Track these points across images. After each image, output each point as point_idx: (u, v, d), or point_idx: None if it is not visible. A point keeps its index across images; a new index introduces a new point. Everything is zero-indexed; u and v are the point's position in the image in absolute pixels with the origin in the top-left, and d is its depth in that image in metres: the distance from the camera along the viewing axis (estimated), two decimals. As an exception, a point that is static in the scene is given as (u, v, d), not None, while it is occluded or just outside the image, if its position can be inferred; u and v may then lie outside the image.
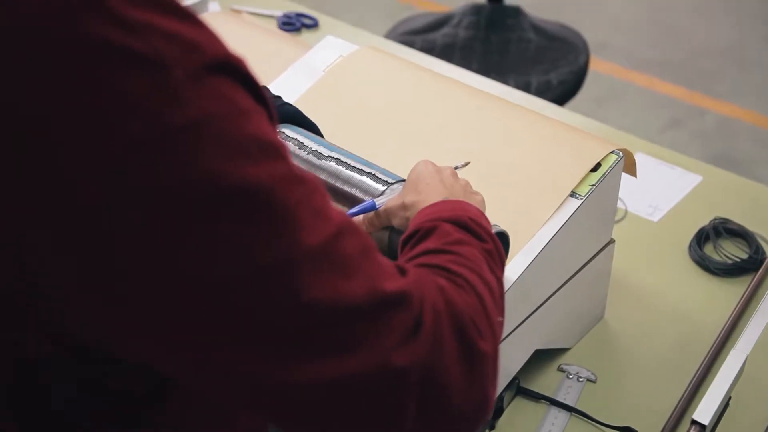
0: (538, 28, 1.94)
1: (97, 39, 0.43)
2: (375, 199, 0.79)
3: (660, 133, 2.54)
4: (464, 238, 0.64)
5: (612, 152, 0.89)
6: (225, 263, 0.46)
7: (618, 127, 2.52)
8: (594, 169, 0.89)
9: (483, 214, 0.69)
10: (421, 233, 0.65)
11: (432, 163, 0.77)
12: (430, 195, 0.72)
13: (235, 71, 0.47)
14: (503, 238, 0.78)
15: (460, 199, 0.71)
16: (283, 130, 0.88)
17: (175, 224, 0.44)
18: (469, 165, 0.84)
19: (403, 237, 0.67)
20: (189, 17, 0.47)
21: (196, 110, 0.44)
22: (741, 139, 2.51)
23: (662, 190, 1.20)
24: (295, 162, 0.85)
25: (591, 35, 2.89)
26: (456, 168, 0.81)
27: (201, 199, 0.45)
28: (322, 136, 0.90)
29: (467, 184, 0.76)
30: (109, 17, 0.43)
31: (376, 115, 0.96)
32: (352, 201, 0.83)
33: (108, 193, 0.43)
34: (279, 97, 0.91)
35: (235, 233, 0.46)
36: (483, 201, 0.76)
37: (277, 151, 0.48)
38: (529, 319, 0.88)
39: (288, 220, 0.47)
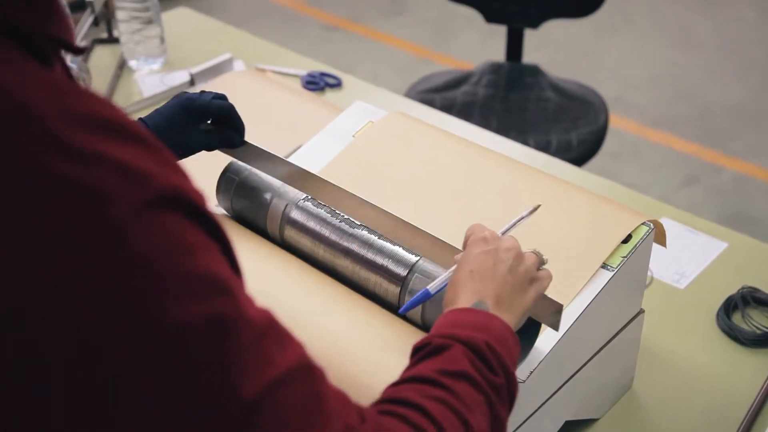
0: (556, 87, 1.95)
1: (35, 164, 0.41)
2: (428, 287, 0.75)
3: (676, 189, 2.54)
4: (468, 371, 0.60)
5: (643, 224, 0.89)
6: (152, 403, 0.44)
7: (635, 184, 2.55)
8: (625, 241, 0.89)
9: (508, 336, 0.65)
10: (430, 348, 0.62)
11: (488, 233, 0.73)
12: (469, 287, 0.68)
13: (185, 204, 0.46)
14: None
15: (507, 297, 0.68)
16: (312, 198, 0.89)
17: (106, 362, 0.43)
18: (519, 227, 0.83)
19: (415, 344, 0.64)
20: (145, 143, 0.45)
21: (135, 246, 0.42)
22: (757, 197, 2.51)
23: (688, 257, 1.20)
24: (325, 232, 0.86)
25: (606, 92, 2.91)
26: (522, 217, 0.79)
27: (134, 338, 0.43)
28: (242, 139, 0.93)
29: (529, 270, 0.72)
30: (50, 141, 0.41)
31: (406, 180, 0.97)
32: (385, 271, 0.83)
33: (40, 324, 0.41)
34: (210, 93, 0.92)
35: (168, 375, 0.44)
36: (541, 292, 0.72)
37: (223, 289, 0.46)
38: (560, 390, 0.87)
39: (225, 365, 0.46)
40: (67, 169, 0.41)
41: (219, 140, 0.92)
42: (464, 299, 0.68)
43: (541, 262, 0.75)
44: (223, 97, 0.91)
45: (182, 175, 0.47)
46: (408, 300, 0.78)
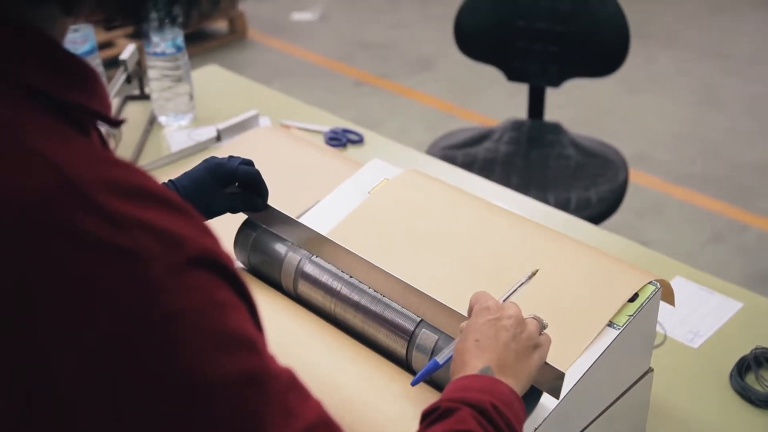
0: (577, 145, 1.98)
1: (79, 231, 0.44)
2: (436, 358, 0.78)
3: (702, 247, 2.53)
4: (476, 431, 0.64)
5: (649, 283, 0.91)
6: None
7: (659, 241, 2.54)
8: (632, 299, 0.90)
9: (514, 399, 0.69)
10: (439, 413, 0.65)
11: (492, 302, 0.76)
12: (474, 355, 0.72)
13: (217, 265, 0.49)
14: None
15: (511, 363, 0.71)
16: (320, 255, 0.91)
17: (146, 415, 0.45)
18: (520, 291, 0.85)
19: (425, 410, 0.67)
20: (178, 209, 0.48)
21: (172, 304, 0.45)
22: (783, 256, 2.50)
23: (703, 316, 1.20)
24: (336, 286, 0.88)
25: (631, 148, 2.94)
26: (522, 283, 0.81)
27: (172, 391, 0.46)
28: (265, 203, 0.96)
29: (530, 336, 0.75)
30: (93, 210, 0.45)
31: (418, 238, 0.99)
32: (393, 325, 0.85)
33: (83, 378, 0.44)
34: (238, 158, 0.95)
35: (203, 426, 0.47)
36: (543, 357, 0.75)
37: (252, 346, 0.49)
38: (567, 448, 0.87)
39: (256, 418, 0.48)
40: (110, 235, 0.45)
41: (243, 204, 0.96)
42: (471, 367, 0.71)
43: (542, 326, 0.78)
44: (249, 163, 0.95)
45: (213, 238, 0.50)
46: (417, 360, 0.80)
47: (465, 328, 0.76)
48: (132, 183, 0.47)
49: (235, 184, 0.95)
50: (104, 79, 0.55)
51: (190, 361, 0.46)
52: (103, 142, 0.60)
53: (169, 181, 0.92)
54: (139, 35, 0.52)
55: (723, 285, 1.26)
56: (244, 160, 0.95)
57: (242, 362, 0.48)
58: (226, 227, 1.02)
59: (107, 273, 0.44)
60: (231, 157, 0.95)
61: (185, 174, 0.93)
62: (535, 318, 0.79)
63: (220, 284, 0.49)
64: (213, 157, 0.95)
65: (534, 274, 0.85)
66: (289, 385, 0.52)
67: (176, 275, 0.46)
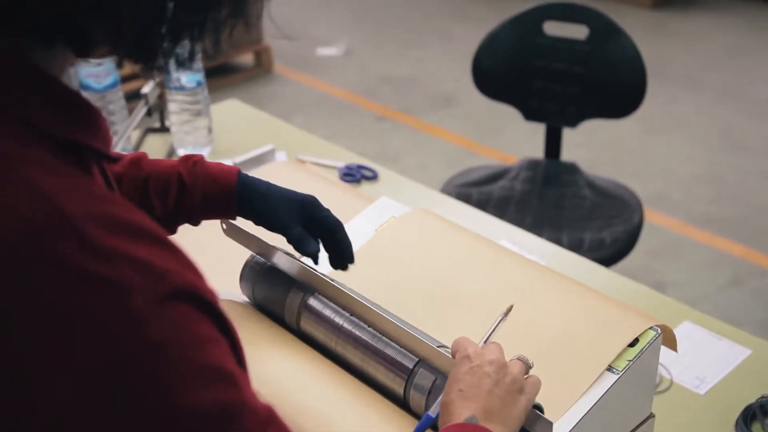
0: (593, 185, 1.98)
1: (65, 261, 0.46)
2: (429, 412, 0.78)
3: (719, 290, 2.51)
4: None
5: (650, 328, 0.91)
6: None
7: (675, 283, 2.53)
8: (632, 344, 0.90)
9: None
10: None
11: (471, 349, 0.77)
12: (459, 405, 0.72)
13: (198, 299, 0.50)
14: (537, 409, 0.79)
15: (496, 409, 0.72)
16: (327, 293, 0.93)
17: None
18: (508, 333, 0.86)
19: None
20: (163, 244, 0.50)
21: (153, 335, 0.47)
22: (803, 301, 2.47)
23: (710, 362, 1.19)
24: (338, 322, 0.89)
25: (649, 188, 2.93)
26: (499, 321, 0.82)
27: (150, 420, 0.47)
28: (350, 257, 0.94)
29: (515, 380, 0.75)
30: (79, 242, 0.47)
31: (421, 276, 1.00)
32: (392, 363, 0.86)
33: (65, 405, 0.46)
34: (324, 210, 0.94)
35: None
36: (530, 401, 0.75)
37: (231, 380, 0.51)
38: (564, 493, 0.87)
39: None
40: (95, 266, 0.47)
41: (308, 246, 0.92)
42: (456, 416, 0.71)
43: (528, 367, 0.78)
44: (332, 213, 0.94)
45: (197, 273, 0.52)
46: (415, 399, 0.81)
47: (449, 378, 0.76)
48: (120, 217, 0.49)
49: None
50: (122, 114, 0.58)
51: (168, 392, 0.47)
52: (106, 178, 0.62)
53: (244, 174, 0.93)
54: (147, 75, 0.55)
55: (732, 331, 1.26)
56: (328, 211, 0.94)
57: (220, 395, 0.49)
58: (231, 261, 1.03)
59: (91, 302, 0.46)
60: (317, 199, 0.94)
61: (283, 190, 0.93)
62: (520, 359, 0.79)
63: (202, 318, 0.50)
64: (312, 198, 0.94)
65: (509, 310, 0.85)
66: (267, 421, 0.53)
67: (157, 307, 0.48)
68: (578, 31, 1.96)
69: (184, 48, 0.54)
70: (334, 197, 1.47)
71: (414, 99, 3.73)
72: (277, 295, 0.96)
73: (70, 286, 0.46)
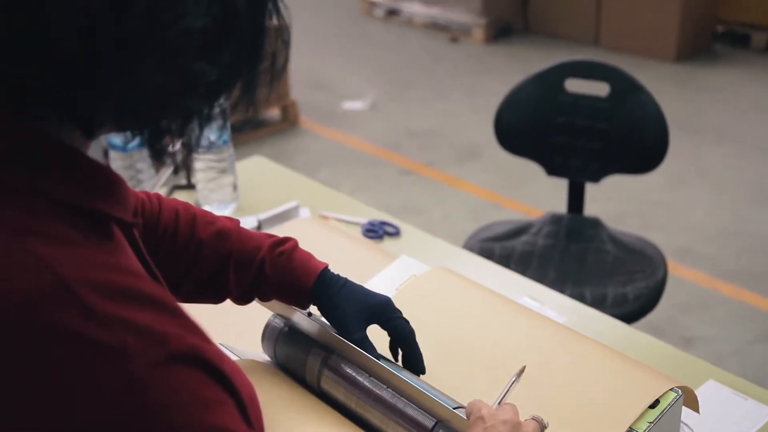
0: (616, 240, 1.98)
1: (65, 328, 0.48)
2: None
3: (748, 345, 2.47)
4: None
5: (671, 389, 0.90)
6: None
7: (703, 338, 2.50)
8: (653, 405, 0.90)
9: None
10: None
11: (485, 410, 0.77)
12: None
13: (202, 362, 0.51)
14: None
15: None
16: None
17: None
18: (526, 394, 0.86)
19: None
20: (166, 308, 0.51)
21: (155, 399, 0.48)
22: (834, 357, 2.43)
23: (734, 423, 1.18)
24: (359, 381, 0.90)
25: (675, 242, 2.92)
26: (512, 382, 0.82)
27: None
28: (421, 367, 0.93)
29: None
30: (78, 309, 0.48)
31: (441, 336, 1.01)
32: (412, 422, 0.87)
33: None
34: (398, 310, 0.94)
35: None
36: None
37: None
38: None
39: None
40: (93, 332, 0.48)
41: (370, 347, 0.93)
42: None
43: (542, 426, 0.78)
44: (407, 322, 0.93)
45: (201, 336, 0.53)
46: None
47: None
48: (121, 284, 0.51)
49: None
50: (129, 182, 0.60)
51: None
52: (132, 240, 0.64)
53: (325, 273, 0.93)
54: (157, 157, 0.56)
55: (757, 390, 1.24)
56: (402, 317, 0.93)
57: None
58: (254, 320, 1.05)
59: (89, 367, 0.47)
60: (392, 303, 0.94)
61: (363, 289, 0.93)
62: (534, 418, 0.79)
63: (205, 380, 0.51)
64: (386, 301, 0.93)
65: (522, 371, 0.86)
66: None
67: (158, 371, 0.49)
68: (600, 89, 1.98)
69: (192, 131, 0.56)
70: (356, 254, 1.49)
71: (438, 152, 3.76)
72: (298, 355, 0.97)
73: (69, 352, 0.47)
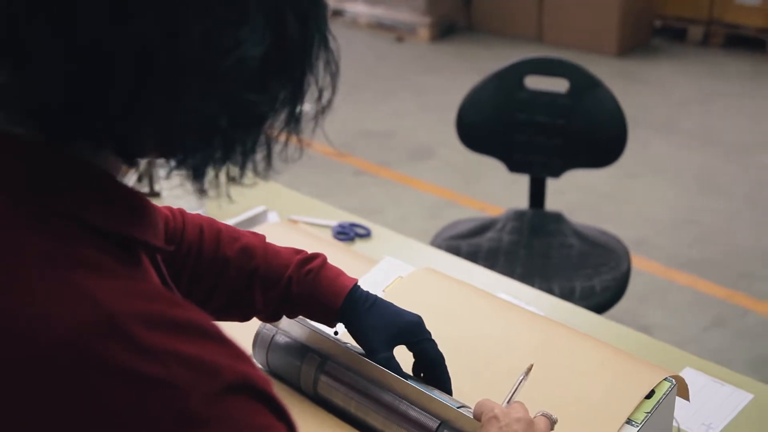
0: (579, 234, 2.01)
1: (114, 364, 0.46)
2: None
3: (703, 332, 2.54)
4: None
5: (665, 379, 0.92)
6: None
7: (660, 327, 2.55)
8: (648, 396, 0.91)
9: None
10: None
11: (498, 409, 0.77)
12: None
13: (254, 390, 0.50)
14: None
15: None
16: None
17: None
18: (527, 390, 0.86)
19: None
20: (212, 337, 0.50)
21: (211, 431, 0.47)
22: (785, 340, 2.51)
23: (714, 408, 1.20)
24: (358, 385, 0.89)
25: (628, 233, 2.97)
26: (521, 380, 0.83)
27: None
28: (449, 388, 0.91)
29: None
30: (127, 343, 0.46)
31: (434, 336, 1.00)
32: (415, 423, 0.86)
33: None
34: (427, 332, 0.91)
35: None
36: None
37: None
38: None
39: None
40: (146, 367, 0.46)
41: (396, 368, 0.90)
42: None
43: (552, 422, 0.79)
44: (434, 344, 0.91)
45: (249, 363, 0.52)
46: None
47: None
48: (167, 315, 0.49)
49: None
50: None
51: None
52: (157, 267, 0.62)
53: (360, 288, 0.90)
54: (198, 189, 0.55)
55: (731, 375, 1.27)
56: (430, 339, 0.91)
57: None
58: (242, 327, 1.03)
59: (144, 404, 0.46)
60: (422, 324, 0.91)
61: (392, 306, 0.91)
62: (545, 415, 0.80)
63: (258, 408, 0.50)
64: (416, 321, 0.91)
65: (530, 369, 0.86)
66: None
67: (214, 404, 0.47)
68: (559, 85, 2.00)
69: (236, 162, 0.54)
70: (333, 258, 1.48)
71: (391, 152, 3.77)
72: (291, 362, 0.96)
73: (122, 389, 0.46)
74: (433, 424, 0.85)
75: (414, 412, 0.87)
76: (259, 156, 0.55)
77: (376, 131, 3.99)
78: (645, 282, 2.77)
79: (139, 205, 0.55)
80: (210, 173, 0.54)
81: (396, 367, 0.89)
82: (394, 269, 1.12)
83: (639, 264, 2.85)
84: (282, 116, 0.55)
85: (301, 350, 0.96)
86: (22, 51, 0.47)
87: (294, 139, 0.56)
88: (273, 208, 1.73)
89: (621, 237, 2.08)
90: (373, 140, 3.90)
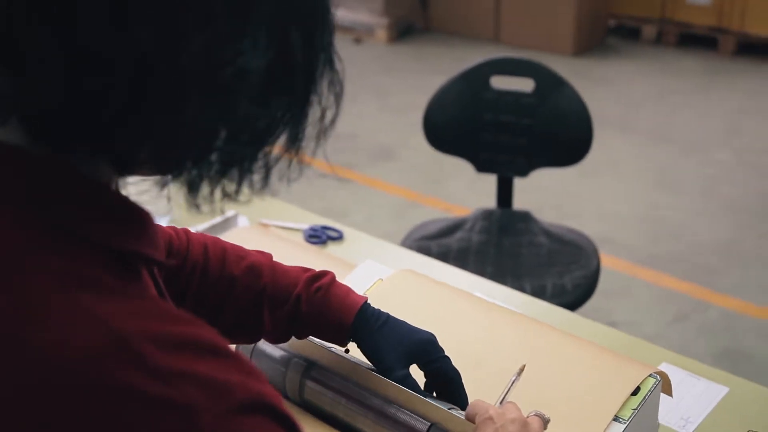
0: (548, 232, 2.02)
1: (126, 386, 0.45)
2: None
3: (667, 327, 2.58)
4: None
5: (650, 375, 0.93)
6: None
7: (625, 322, 2.58)
8: (634, 392, 0.92)
9: None
10: None
11: (492, 411, 0.78)
12: None
13: (267, 408, 0.49)
14: None
15: None
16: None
17: None
18: (515, 389, 0.87)
19: None
20: (224, 356, 0.49)
21: None
22: (746, 333, 2.56)
23: (692, 403, 1.22)
24: (345, 389, 0.88)
25: (592, 231, 3.00)
26: (513, 381, 0.83)
27: None
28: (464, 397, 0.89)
29: None
30: (140, 365, 0.46)
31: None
32: (404, 428, 0.86)
33: None
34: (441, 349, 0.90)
35: None
36: None
37: None
38: None
39: None
40: (158, 389, 0.45)
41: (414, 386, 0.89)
42: None
43: (545, 421, 0.80)
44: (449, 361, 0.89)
45: (261, 380, 0.51)
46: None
47: None
48: (177, 334, 0.48)
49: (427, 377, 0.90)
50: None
51: None
52: (155, 281, 0.61)
53: (365, 309, 0.88)
54: (193, 205, 0.53)
55: (706, 369, 1.29)
56: (445, 356, 0.89)
57: None
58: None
59: (157, 426, 0.45)
60: (436, 342, 0.89)
61: (405, 324, 0.89)
62: (537, 415, 0.81)
63: (271, 426, 0.49)
64: (429, 339, 0.89)
65: (522, 370, 0.87)
66: None
67: (227, 423, 0.46)
68: (524, 85, 2.02)
69: (233, 179, 0.53)
70: (306, 262, 1.46)
71: (354, 154, 3.76)
72: (275, 368, 0.95)
73: (135, 411, 0.45)
74: (422, 427, 0.85)
75: (403, 416, 0.86)
76: (257, 174, 0.54)
77: (338, 133, 3.92)
78: (610, 279, 2.80)
79: (138, 217, 0.54)
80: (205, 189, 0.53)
81: (413, 385, 0.87)
82: (374, 271, 1.11)
83: (604, 262, 2.88)
84: (284, 135, 0.54)
85: (284, 356, 0.94)
86: (21, 52, 0.46)
87: (294, 157, 0.55)
88: (243, 212, 1.71)
89: (591, 239, 2.10)
90: (336, 142, 3.85)
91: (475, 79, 2.03)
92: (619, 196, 3.36)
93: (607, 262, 2.90)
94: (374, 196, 3.41)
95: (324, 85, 0.55)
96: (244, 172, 0.53)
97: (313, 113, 0.55)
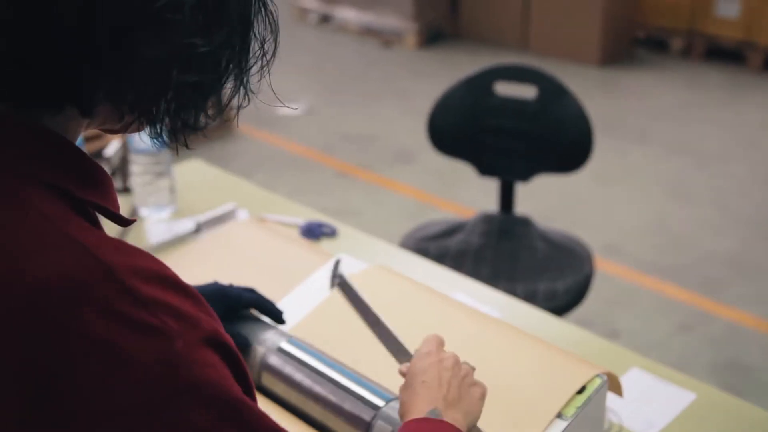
0: (545, 238, 2.05)
1: (114, 310, 0.51)
2: None
3: (670, 337, 2.58)
4: None
5: (597, 375, 0.96)
6: None
7: (628, 331, 2.59)
8: (580, 391, 0.95)
9: None
10: None
11: (435, 348, 0.83)
12: (422, 396, 0.78)
13: (222, 345, 0.56)
14: None
15: (455, 399, 0.78)
16: (286, 349, 0.96)
17: None
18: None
19: None
20: (189, 294, 0.56)
21: (192, 377, 0.52)
22: (750, 346, 2.55)
23: (657, 407, 1.24)
24: (297, 377, 0.93)
25: (601, 238, 3.02)
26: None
27: None
28: (282, 320, 1.00)
29: (467, 374, 0.83)
30: (124, 292, 0.52)
31: (380, 331, 1.04)
32: (350, 416, 0.90)
33: None
34: (239, 287, 1.00)
35: None
36: (484, 393, 0.82)
37: (251, 412, 0.57)
38: None
39: None
40: (139, 314, 0.52)
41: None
42: (418, 410, 0.77)
43: (472, 369, 0.86)
44: (252, 291, 1.01)
45: (218, 321, 0.57)
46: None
47: (408, 372, 0.82)
48: (152, 269, 0.54)
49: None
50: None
51: (203, 426, 0.52)
52: None
53: None
54: (155, 136, 0.59)
55: (677, 376, 1.31)
56: (246, 288, 1.00)
57: (245, 426, 0.55)
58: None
59: (138, 346, 0.51)
60: (231, 285, 1.00)
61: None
62: (465, 363, 0.86)
63: (223, 362, 0.55)
64: (216, 283, 0.99)
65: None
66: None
67: (195, 351, 0.53)
68: (528, 91, 2.05)
69: (188, 112, 0.58)
70: (293, 254, 1.51)
71: (373, 155, 3.81)
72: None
73: (118, 331, 0.51)
74: (367, 416, 0.89)
75: (349, 405, 0.90)
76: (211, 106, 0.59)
77: (360, 134, 4.03)
78: (616, 286, 2.82)
79: (101, 176, 0.60)
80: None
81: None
82: (346, 266, 1.15)
83: (609, 269, 2.90)
84: (230, 69, 0.59)
85: (247, 340, 0.99)
86: None
87: (242, 85, 0.60)
88: (245, 206, 1.76)
89: (593, 242, 2.12)
90: (356, 143, 3.94)
91: (479, 84, 2.07)
92: (631, 205, 3.36)
93: (614, 270, 2.91)
94: (389, 197, 3.45)
95: (259, 19, 0.60)
96: (200, 102, 0.59)
97: (253, 42, 0.60)
